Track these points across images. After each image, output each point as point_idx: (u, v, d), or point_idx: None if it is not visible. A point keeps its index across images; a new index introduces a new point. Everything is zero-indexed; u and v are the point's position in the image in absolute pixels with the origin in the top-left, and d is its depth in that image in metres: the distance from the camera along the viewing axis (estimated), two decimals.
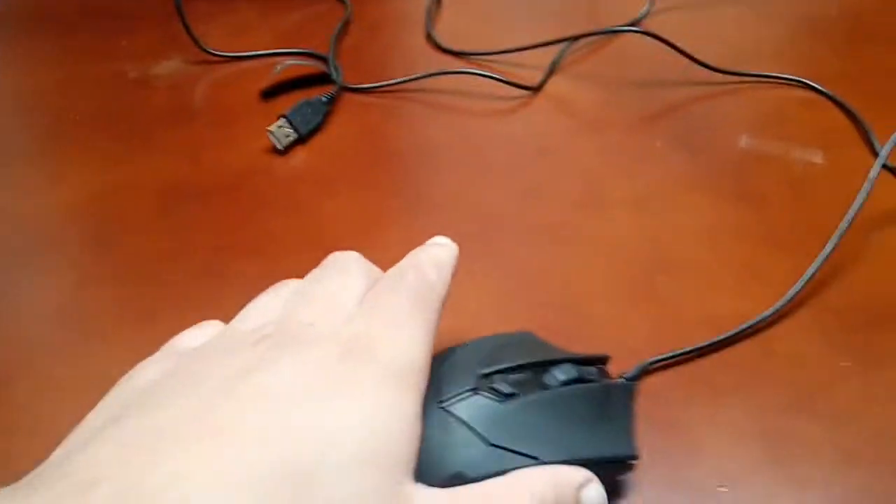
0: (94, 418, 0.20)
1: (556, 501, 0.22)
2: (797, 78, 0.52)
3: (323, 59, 0.56)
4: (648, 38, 0.52)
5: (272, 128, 0.47)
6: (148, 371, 0.23)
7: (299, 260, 0.40)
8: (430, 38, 0.59)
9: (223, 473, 0.17)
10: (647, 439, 0.27)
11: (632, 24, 0.60)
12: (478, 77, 0.53)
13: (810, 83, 0.51)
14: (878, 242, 0.40)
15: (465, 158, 0.47)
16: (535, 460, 0.23)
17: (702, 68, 0.52)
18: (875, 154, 0.45)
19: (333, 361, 0.20)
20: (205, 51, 0.56)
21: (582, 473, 0.23)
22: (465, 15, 0.62)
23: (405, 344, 0.22)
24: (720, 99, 0.52)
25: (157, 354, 0.24)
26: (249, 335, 0.23)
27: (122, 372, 0.34)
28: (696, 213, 0.43)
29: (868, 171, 0.38)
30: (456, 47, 0.57)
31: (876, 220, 0.41)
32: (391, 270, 0.25)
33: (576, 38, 0.55)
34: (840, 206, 0.38)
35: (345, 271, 0.25)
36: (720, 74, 0.52)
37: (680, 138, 0.48)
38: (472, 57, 0.56)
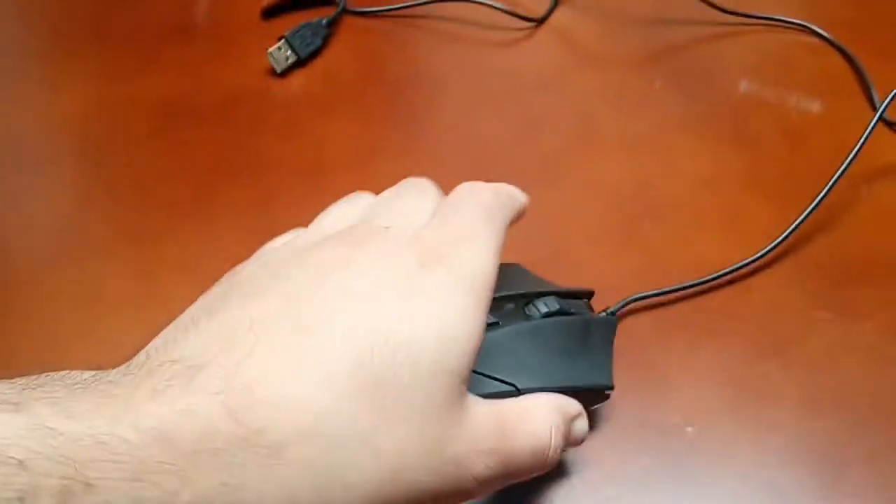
0: (193, 310, 0.21)
1: (560, 427, 0.23)
2: (803, 23, 0.51)
3: None
4: None
5: (272, 50, 0.47)
6: (245, 268, 0.23)
7: (294, 184, 0.41)
8: None
9: (306, 372, 0.18)
10: (620, 378, 0.28)
11: None
12: (482, 5, 0.52)
13: (816, 29, 0.51)
14: (869, 197, 0.41)
15: (464, 89, 0.47)
16: (513, 387, 0.24)
17: (708, 7, 0.52)
18: (874, 108, 0.45)
19: (413, 266, 0.21)
20: None
21: (576, 405, 0.24)
22: None
23: (478, 256, 0.22)
24: (724, 40, 0.51)
25: (252, 257, 0.25)
26: (333, 234, 0.23)
27: (117, 285, 0.35)
28: (688, 157, 0.43)
29: (865, 125, 0.38)
30: None
31: (868, 175, 0.41)
32: (463, 185, 0.25)
33: None
34: (834, 157, 0.38)
35: (421, 191, 0.25)
36: (726, 15, 0.52)
37: (679, 79, 0.48)
38: None
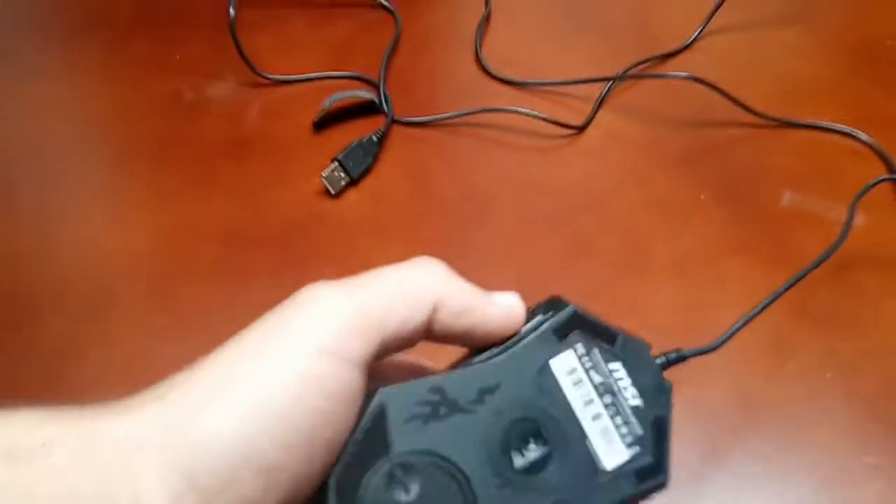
0: None
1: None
2: (845, 129, 0.52)
3: (373, 84, 0.57)
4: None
5: (325, 173, 0.49)
6: None
7: None
8: (478, 59, 0.59)
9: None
10: None
11: (681, 49, 0.59)
12: (524, 116, 0.54)
13: (859, 135, 0.51)
14: None
15: (510, 207, 0.49)
16: None
17: (747, 112, 0.52)
18: None
19: None
20: (257, 73, 0.57)
21: None
22: (514, 30, 0.62)
23: None
24: (765, 145, 0.52)
25: None
26: None
27: None
28: (735, 279, 0.44)
29: None
30: (504, 73, 0.57)
31: None
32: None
33: (621, 77, 0.56)
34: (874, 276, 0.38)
35: None
36: (765, 119, 0.52)
37: (725, 191, 0.49)
38: (520, 86, 0.57)
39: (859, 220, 0.46)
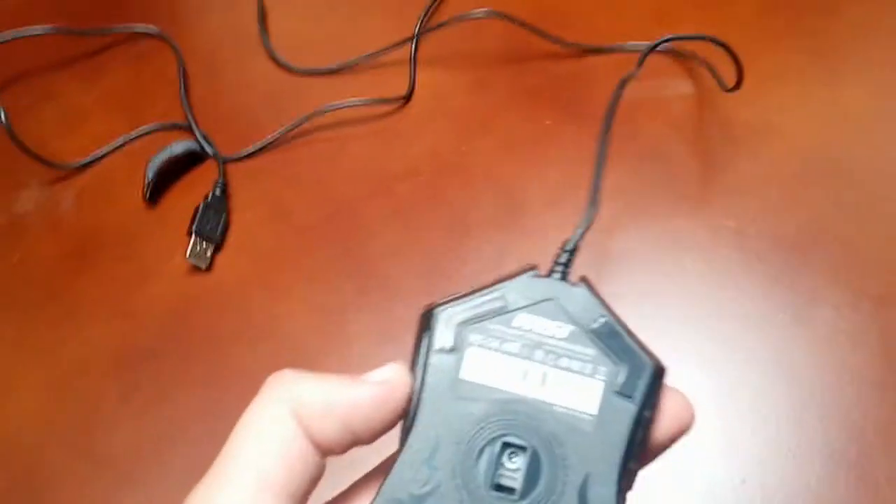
0: None
1: None
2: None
3: (183, 127, 0.53)
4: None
5: (188, 253, 0.46)
6: None
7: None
8: (276, 61, 0.56)
9: None
10: None
11: None
12: (343, 109, 0.52)
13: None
14: None
15: (379, 200, 0.49)
16: None
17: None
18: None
19: None
20: (57, 167, 0.52)
21: None
22: (297, 16, 0.59)
23: None
24: (575, 69, 0.53)
25: None
26: None
27: None
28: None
29: None
30: (308, 64, 0.55)
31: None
32: None
33: (423, 32, 0.55)
34: None
35: None
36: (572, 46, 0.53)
37: (563, 113, 0.50)
38: (330, 73, 0.55)
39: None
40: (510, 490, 0.22)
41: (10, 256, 0.49)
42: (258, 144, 0.52)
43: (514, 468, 0.22)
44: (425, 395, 0.22)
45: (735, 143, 0.50)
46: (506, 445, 0.22)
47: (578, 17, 0.54)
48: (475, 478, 0.22)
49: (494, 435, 0.22)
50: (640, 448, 0.22)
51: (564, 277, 0.24)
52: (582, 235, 0.25)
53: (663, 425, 0.23)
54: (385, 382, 0.23)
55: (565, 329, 0.23)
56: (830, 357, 0.42)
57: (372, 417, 0.22)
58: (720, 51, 0.47)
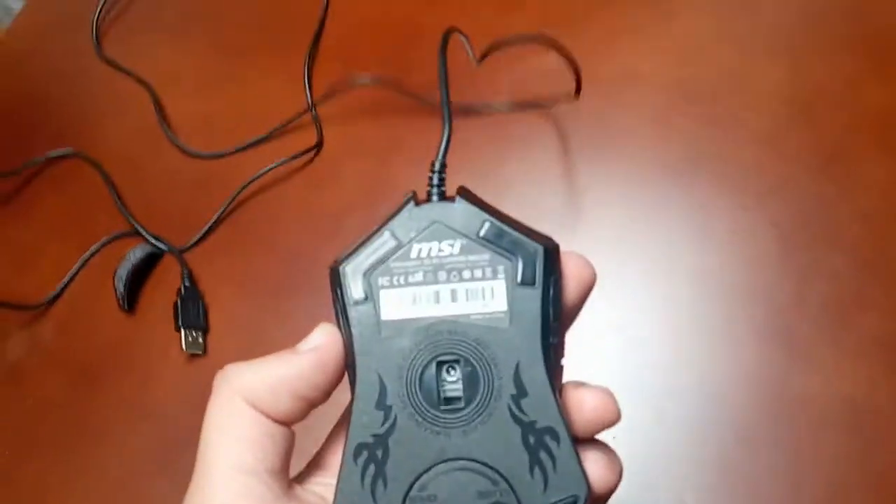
0: None
1: None
2: None
3: (131, 234, 0.58)
4: None
5: (184, 345, 0.52)
6: None
7: None
8: (184, 151, 0.61)
9: None
10: None
11: None
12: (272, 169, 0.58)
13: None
14: None
15: (328, 248, 0.55)
16: None
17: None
18: None
19: None
20: (29, 308, 0.56)
21: None
22: (189, 103, 0.64)
23: None
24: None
25: None
26: None
27: None
28: None
29: None
30: (215, 146, 0.60)
31: None
32: None
33: (318, 102, 0.60)
34: None
35: None
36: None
37: None
38: (239, 152, 0.60)
39: None
40: (456, 400, 0.24)
41: (23, 402, 0.54)
42: (204, 228, 0.57)
43: (454, 380, 0.24)
44: (357, 346, 0.24)
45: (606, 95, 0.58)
46: (440, 364, 0.24)
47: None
48: (424, 400, 0.24)
49: (428, 358, 0.24)
50: (555, 323, 0.25)
51: (442, 197, 0.26)
52: (445, 152, 0.26)
53: (570, 290, 0.26)
54: (317, 348, 0.25)
55: (457, 244, 0.25)
56: (735, 251, 0.51)
57: (316, 382, 0.25)
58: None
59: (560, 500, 0.24)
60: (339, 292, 0.25)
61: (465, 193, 0.25)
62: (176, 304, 0.53)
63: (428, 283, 0.25)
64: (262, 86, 0.63)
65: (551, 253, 0.25)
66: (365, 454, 0.24)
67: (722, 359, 0.48)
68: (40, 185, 0.62)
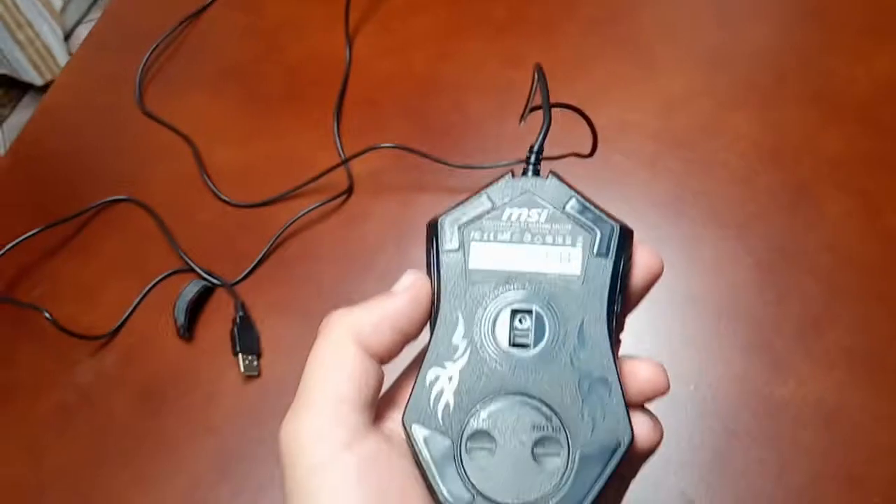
0: None
1: None
2: None
3: (185, 270, 0.65)
4: None
5: (242, 369, 0.59)
6: None
7: None
8: (224, 201, 0.68)
9: None
10: None
11: None
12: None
13: None
14: None
15: (366, 283, 0.62)
16: None
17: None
18: None
19: None
20: (96, 339, 0.63)
21: None
22: (230, 156, 0.71)
23: None
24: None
25: None
26: None
27: None
28: None
29: None
30: (255, 196, 0.68)
31: None
32: None
33: (350, 158, 0.68)
34: None
35: None
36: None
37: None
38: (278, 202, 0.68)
39: None
40: (525, 346, 0.27)
41: (95, 421, 0.60)
42: (252, 264, 0.64)
43: (524, 328, 0.27)
44: (444, 286, 0.27)
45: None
46: (514, 312, 0.27)
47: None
48: (496, 340, 0.27)
49: (504, 304, 0.27)
50: (620, 294, 0.27)
51: (537, 174, 0.29)
52: (544, 138, 0.29)
53: (638, 275, 0.29)
54: (412, 286, 0.28)
55: (544, 213, 0.27)
56: (719, 277, 0.59)
57: (413, 316, 0.28)
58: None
59: (605, 443, 0.26)
60: (434, 240, 0.28)
61: (556, 174, 0.28)
62: (233, 331, 0.60)
63: (514, 241, 0.27)
64: (293, 138, 0.71)
65: (626, 233, 0.28)
66: (437, 376, 0.26)
67: (712, 371, 0.56)
68: (99, 228, 0.68)
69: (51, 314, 0.61)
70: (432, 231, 0.28)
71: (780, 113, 0.67)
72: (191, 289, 0.63)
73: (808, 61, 0.71)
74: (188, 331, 0.62)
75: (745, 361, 0.56)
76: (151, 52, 0.77)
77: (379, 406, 0.29)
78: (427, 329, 0.29)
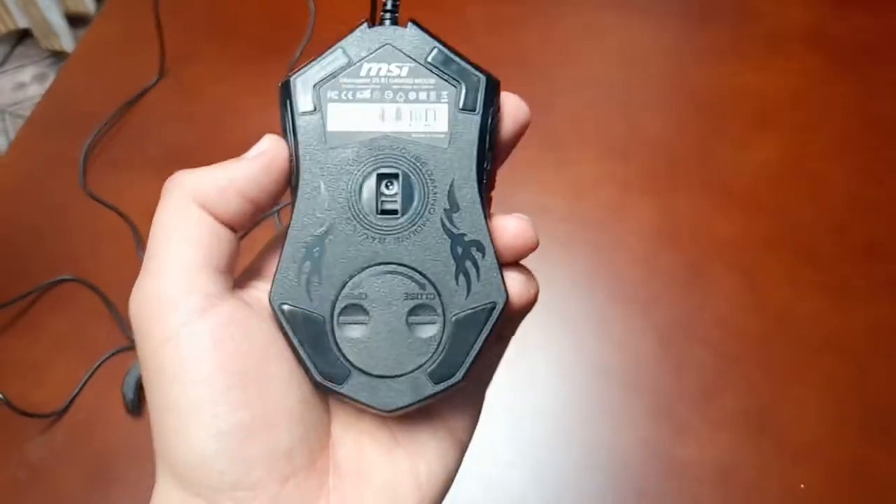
0: None
1: None
2: None
3: (131, 348, 0.68)
4: None
5: None
6: None
7: None
8: None
9: None
10: None
11: None
12: None
13: None
14: None
15: None
16: None
17: None
18: None
19: None
20: (45, 416, 0.65)
21: None
22: None
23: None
24: None
25: None
26: None
27: None
28: None
29: None
30: None
31: None
32: None
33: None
34: None
35: None
36: None
37: None
38: None
39: None
40: (393, 212, 0.25)
41: (47, 497, 0.62)
42: None
43: (392, 193, 0.25)
44: (302, 153, 0.25)
45: None
46: (380, 176, 0.25)
47: None
48: (362, 208, 0.25)
49: (369, 170, 0.25)
50: (490, 151, 0.26)
51: (395, 23, 0.26)
52: None
53: (506, 126, 0.27)
54: (265, 152, 0.26)
55: (405, 67, 0.25)
56: (627, 349, 0.67)
57: (264, 184, 0.26)
58: None
59: (480, 305, 0.25)
60: (288, 103, 0.26)
61: (416, 22, 0.26)
62: None
63: (375, 100, 0.25)
64: None
65: (493, 85, 0.26)
66: (303, 251, 0.25)
67: (620, 436, 0.63)
68: (45, 308, 0.71)
69: (1, 392, 0.63)
70: (285, 92, 0.26)
71: (675, 199, 0.76)
72: (138, 365, 0.66)
73: (700, 150, 0.80)
74: (137, 407, 0.65)
75: (650, 426, 0.63)
76: (95, 135, 0.81)
77: (241, 277, 0.28)
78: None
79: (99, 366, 0.68)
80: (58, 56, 2.02)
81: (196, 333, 0.24)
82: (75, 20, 1.98)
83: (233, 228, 0.26)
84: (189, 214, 0.25)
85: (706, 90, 0.84)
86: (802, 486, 0.60)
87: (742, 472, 0.61)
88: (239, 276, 0.28)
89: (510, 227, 0.26)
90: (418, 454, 0.27)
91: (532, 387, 0.65)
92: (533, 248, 0.27)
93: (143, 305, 0.25)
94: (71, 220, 0.77)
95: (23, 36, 2.07)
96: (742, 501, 0.60)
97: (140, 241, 0.74)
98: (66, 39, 1.93)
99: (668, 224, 0.74)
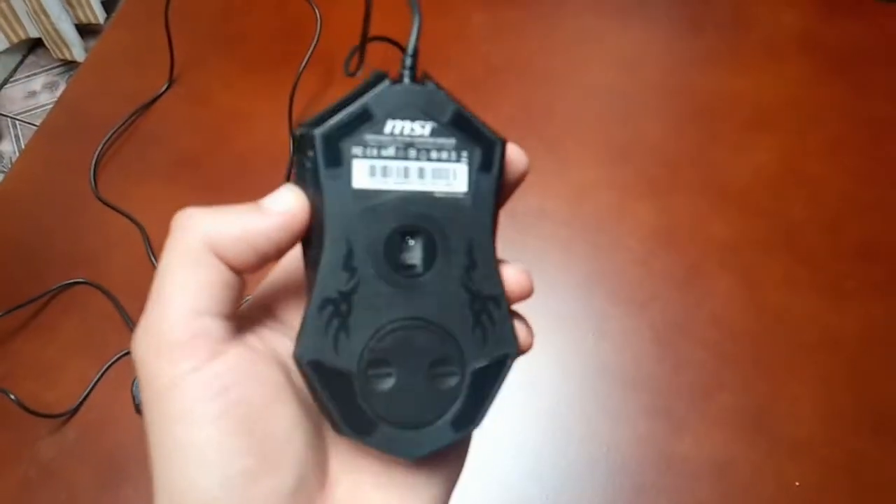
0: None
1: None
2: None
3: None
4: None
5: None
6: None
7: None
8: None
9: None
10: None
11: None
12: None
13: None
14: None
15: None
16: None
17: None
18: None
19: None
20: (56, 416, 0.67)
21: None
22: None
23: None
24: None
25: None
26: None
27: None
28: None
29: None
30: None
31: None
32: None
33: None
34: None
35: None
36: None
37: None
38: None
39: None
40: (416, 268, 0.26)
41: (58, 495, 0.64)
42: None
43: (416, 250, 0.26)
44: (328, 210, 0.25)
45: (522, 230, 0.75)
46: (405, 234, 0.26)
47: None
48: (388, 266, 0.26)
49: (394, 228, 0.26)
50: (500, 204, 0.27)
51: (413, 79, 0.26)
52: (416, 39, 0.27)
53: (509, 177, 0.28)
54: (288, 212, 0.26)
55: (428, 126, 0.26)
56: (625, 349, 0.68)
57: (278, 241, 0.26)
58: None
59: (494, 357, 0.27)
60: (310, 155, 0.25)
61: (432, 78, 0.26)
62: None
63: (399, 158, 0.26)
64: None
65: (504, 146, 0.27)
66: (330, 308, 0.25)
67: (621, 433, 0.64)
68: (57, 310, 0.73)
69: (13, 393, 0.65)
70: (307, 144, 0.26)
71: (673, 201, 0.77)
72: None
73: (697, 153, 0.81)
74: None
75: (649, 423, 0.65)
76: (106, 142, 0.83)
77: (246, 311, 0.28)
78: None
79: (109, 367, 0.70)
80: (68, 65, 2.05)
81: (204, 379, 0.24)
82: (86, 30, 2.01)
83: (240, 273, 0.26)
84: (200, 260, 0.25)
85: (703, 94, 0.86)
86: (797, 483, 0.61)
87: (738, 468, 0.62)
88: (243, 308, 0.28)
89: (511, 277, 0.28)
90: (415, 494, 0.28)
91: (532, 385, 0.66)
92: (529, 297, 0.29)
93: (151, 348, 0.25)
94: (83, 224, 0.79)
95: (34, 45, 2.10)
96: (738, 496, 0.61)
97: (150, 244, 0.76)
98: (76, 49, 1.96)
99: (667, 226, 0.76)
